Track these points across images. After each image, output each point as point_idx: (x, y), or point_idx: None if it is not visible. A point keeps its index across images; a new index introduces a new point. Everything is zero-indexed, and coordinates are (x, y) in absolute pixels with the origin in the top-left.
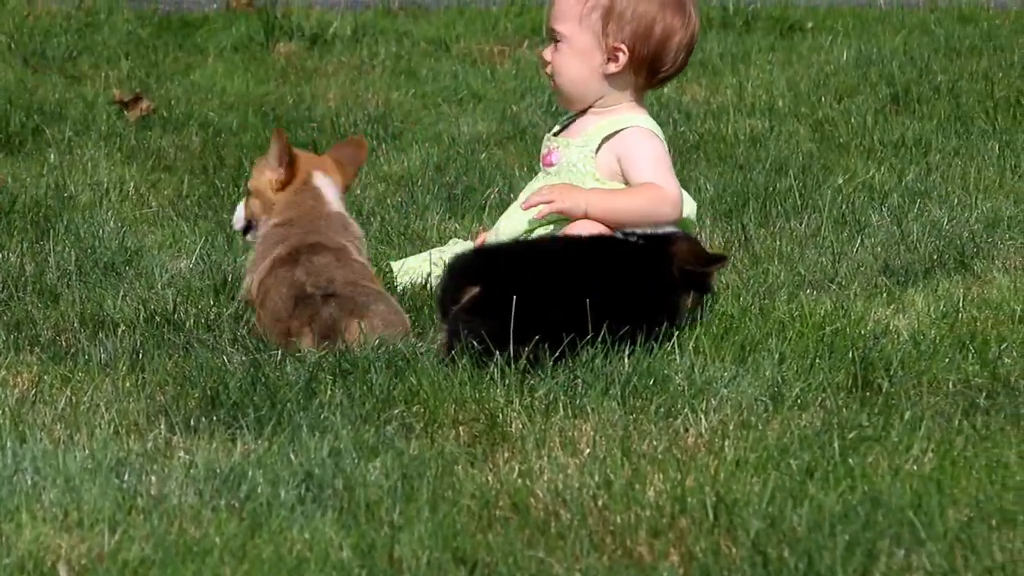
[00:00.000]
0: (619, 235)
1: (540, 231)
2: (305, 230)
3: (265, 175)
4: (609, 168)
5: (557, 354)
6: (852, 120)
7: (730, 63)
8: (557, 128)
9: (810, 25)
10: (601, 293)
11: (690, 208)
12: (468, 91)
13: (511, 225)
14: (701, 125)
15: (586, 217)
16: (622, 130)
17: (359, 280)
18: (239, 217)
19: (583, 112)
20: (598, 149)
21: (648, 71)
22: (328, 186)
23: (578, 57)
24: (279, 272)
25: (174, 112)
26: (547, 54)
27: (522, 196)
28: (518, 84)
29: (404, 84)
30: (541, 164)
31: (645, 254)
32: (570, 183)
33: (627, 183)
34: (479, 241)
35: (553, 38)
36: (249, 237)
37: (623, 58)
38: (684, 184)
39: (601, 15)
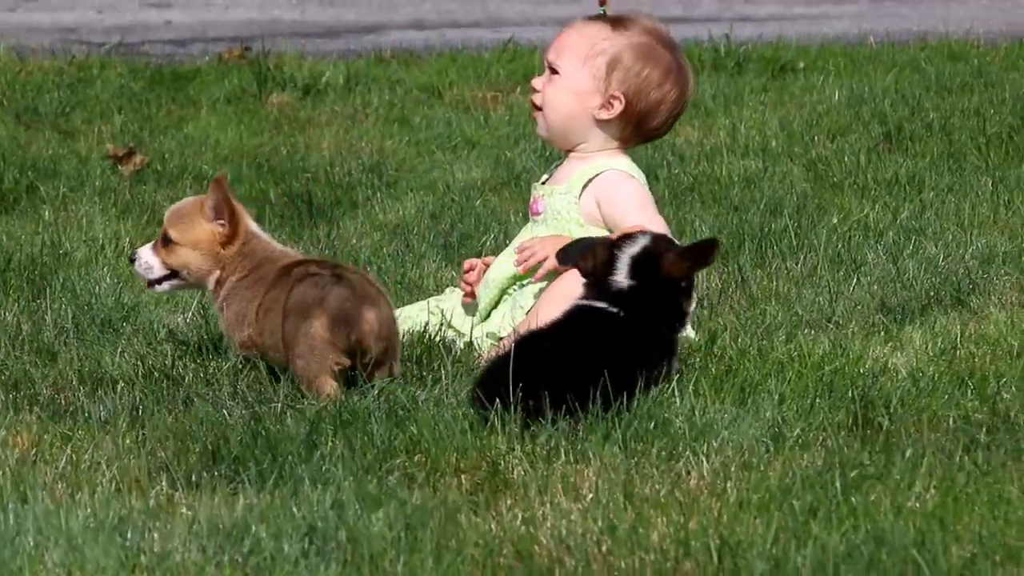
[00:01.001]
0: (601, 306)
1: (528, 280)
2: (277, 263)
3: (204, 228)
4: (591, 213)
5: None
6: (846, 159)
7: (723, 104)
8: (545, 177)
9: (802, 65)
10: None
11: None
12: (462, 138)
13: (500, 272)
14: (695, 167)
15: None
16: (599, 175)
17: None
18: (153, 265)
19: (566, 159)
20: (580, 195)
21: (636, 126)
22: (256, 226)
23: (573, 95)
24: (273, 293)
25: (168, 165)
26: (538, 82)
27: (513, 244)
28: (512, 130)
29: (398, 132)
30: (529, 213)
31: (631, 322)
32: (557, 233)
33: (610, 228)
34: (468, 272)
35: (551, 69)
36: (165, 287)
37: (618, 107)
38: (680, 226)
39: (607, 62)
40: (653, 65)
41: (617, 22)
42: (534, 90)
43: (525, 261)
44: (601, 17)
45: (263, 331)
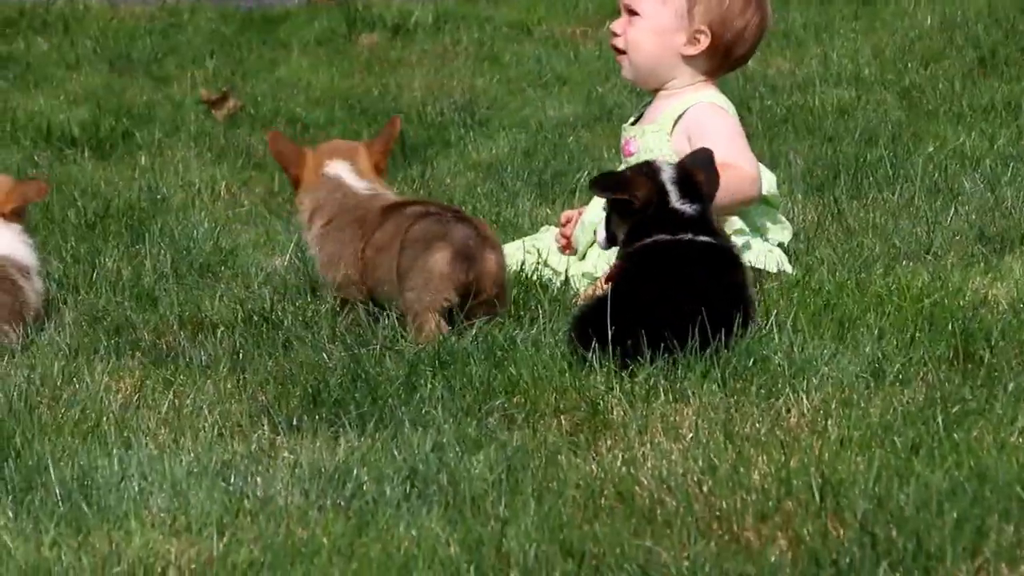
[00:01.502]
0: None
1: None
2: (373, 205)
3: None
4: (683, 149)
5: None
6: (940, 86)
7: (813, 33)
8: (633, 118)
9: None
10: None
11: (769, 182)
12: (552, 74)
13: (596, 212)
14: (788, 98)
15: None
16: (687, 110)
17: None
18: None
19: (655, 98)
20: (672, 131)
21: (722, 57)
22: (346, 170)
23: (657, 35)
24: (385, 229)
25: (261, 109)
26: (618, 26)
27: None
28: (602, 65)
29: (488, 70)
30: (622, 155)
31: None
32: None
33: None
34: (565, 224)
35: (629, 11)
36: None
37: (704, 41)
38: (774, 158)
39: None
40: (737, 3)
41: None
42: (614, 34)
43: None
44: None
45: (375, 268)
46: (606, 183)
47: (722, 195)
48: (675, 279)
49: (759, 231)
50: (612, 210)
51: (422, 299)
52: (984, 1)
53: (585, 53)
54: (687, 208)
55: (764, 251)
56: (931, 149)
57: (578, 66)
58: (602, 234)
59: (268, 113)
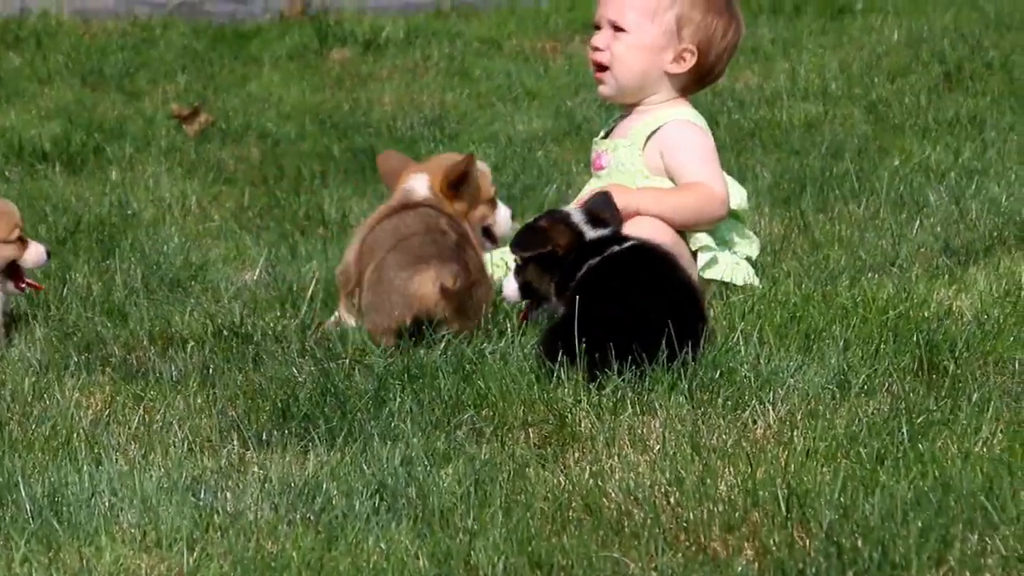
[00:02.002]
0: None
1: None
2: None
3: None
4: (655, 164)
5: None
6: (906, 100)
7: (781, 48)
8: (603, 132)
9: (859, 6)
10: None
11: (739, 198)
12: (522, 89)
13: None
14: (755, 112)
15: (636, 214)
16: (663, 126)
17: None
18: None
19: (628, 113)
20: (644, 146)
21: (703, 76)
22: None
23: (644, 51)
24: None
25: (232, 124)
26: (601, 41)
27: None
28: (571, 80)
29: (458, 85)
30: (592, 169)
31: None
32: (621, 184)
33: (672, 180)
34: None
35: (613, 27)
36: None
37: (690, 60)
38: (741, 172)
39: (676, 16)
40: (716, 14)
41: None
42: (596, 49)
43: None
44: None
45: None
46: (526, 242)
47: (690, 214)
48: (626, 284)
49: (727, 244)
50: (536, 265)
51: (379, 320)
52: (950, 17)
53: (555, 68)
54: (600, 232)
55: (731, 264)
56: (897, 163)
57: (548, 81)
58: (511, 287)
59: (239, 128)
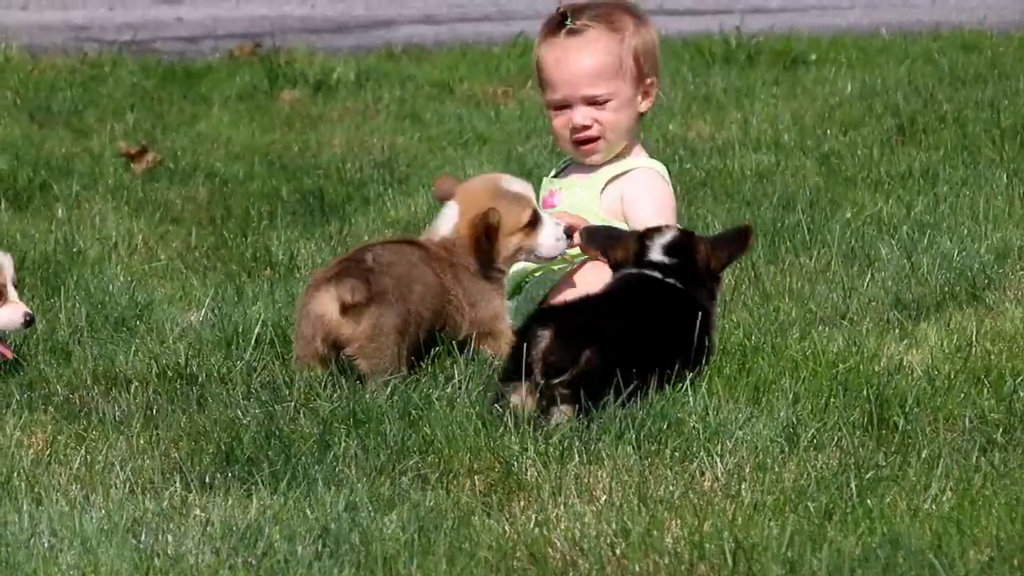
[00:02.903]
0: (656, 275)
1: (541, 272)
2: None
3: None
4: (612, 207)
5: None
6: (859, 152)
7: (734, 98)
8: (554, 172)
9: (813, 57)
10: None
11: None
12: (473, 133)
13: (516, 266)
14: (707, 161)
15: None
16: (630, 171)
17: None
18: None
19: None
20: (604, 188)
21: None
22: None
23: (628, 107)
24: None
25: (180, 163)
26: (584, 118)
27: None
28: (523, 125)
29: (409, 128)
30: (542, 206)
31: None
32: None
33: (627, 222)
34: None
35: (590, 102)
36: None
37: (653, 91)
38: (692, 222)
39: (634, 58)
40: (649, 31)
41: (606, 22)
42: (584, 127)
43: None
44: (566, 22)
45: None
46: (592, 236)
47: None
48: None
49: None
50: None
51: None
52: (904, 70)
53: (506, 113)
54: (663, 259)
55: None
56: (849, 215)
57: (499, 126)
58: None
59: (187, 167)
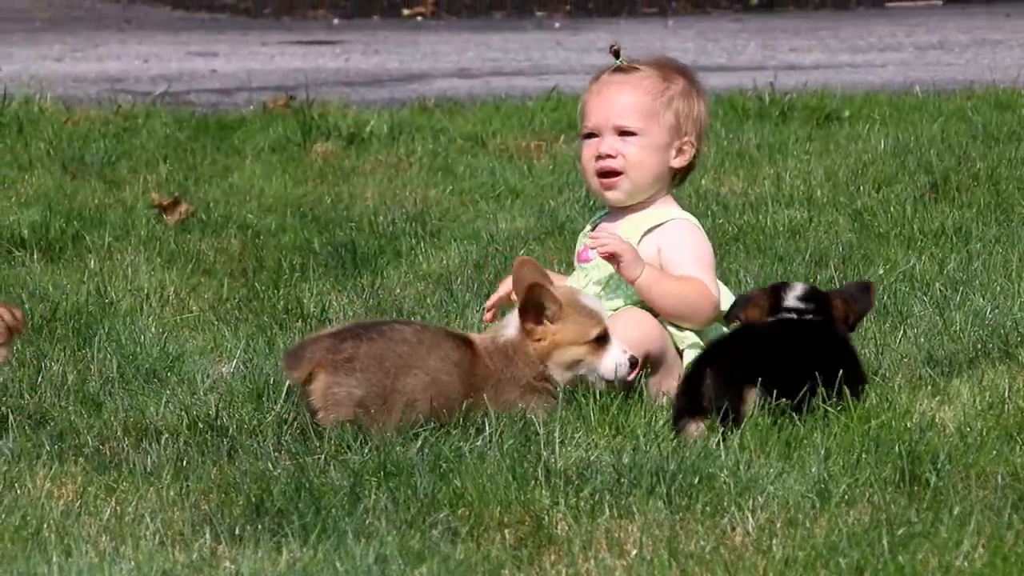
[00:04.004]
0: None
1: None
2: None
3: None
4: (649, 258)
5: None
6: (891, 209)
7: (767, 153)
8: (590, 226)
9: (847, 114)
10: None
11: (727, 303)
12: (505, 187)
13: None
14: (740, 217)
15: (633, 282)
16: (668, 222)
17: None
18: None
19: (619, 213)
20: (640, 240)
21: (691, 167)
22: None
23: (657, 151)
24: None
25: (213, 215)
26: (610, 148)
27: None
28: (555, 179)
29: (441, 181)
30: (576, 260)
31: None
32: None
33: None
34: (491, 307)
35: (620, 132)
36: None
37: (689, 152)
38: (724, 276)
39: (675, 112)
40: (700, 99)
41: (658, 69)
42: (607, 156)
43: (598, 242)
44: (626, 67)
45: None
46: (731, 310)
47: (681, 306)
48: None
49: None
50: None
51: None
52: (937, 127)
53: (539, 167)
54: (799, 304)
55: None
56: (881, 271)
57: (531, 180)
58: None
59: (219, 219)
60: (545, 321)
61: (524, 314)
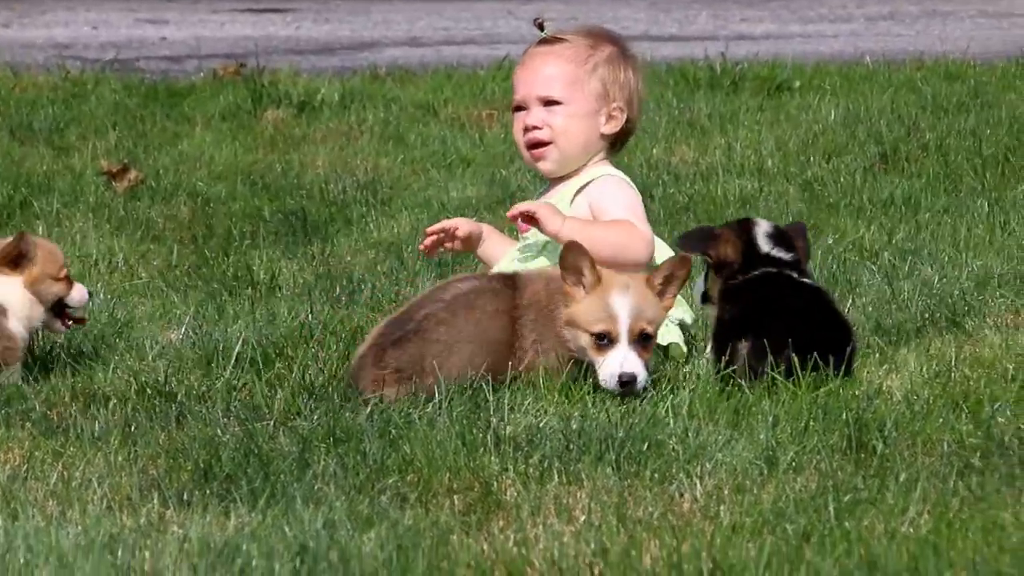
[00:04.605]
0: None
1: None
2: None
3: None
4: (583, 216)
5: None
6: (841, 179)
7: (718, 123)
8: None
9: (797, 84)
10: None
11: (664, 255)
12: (457, 156)
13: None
14: (691, 186)
15: (557, 235)
16: (595, 179)
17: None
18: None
19: (556, 181)
20: (571, 201)
21: (626, 133)
22: None
23: (584, 119)
24: None
25: (162, 182)
26: (536, 119)
27: (503, 261)
28: (507, 148)
29: (392, 150)
30: (519, 232)
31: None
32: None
33: None
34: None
35: (545, 102)
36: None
37: (621, 118)
38: (674, 247)
39: (601, 79)
40: (630, 67)
41: (585, 37)
42: (534, 128)
43: (513, 209)
44: (551, 38)
45: None
46: (688, 239)
47: (612, 249)
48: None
49: None
50: (708, 268)
51: None
52: (887, 98)
53: (490, 136)
54: (782, 255)
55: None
56: (831, 241)
57: (483, 149)
58: (699, 289)
59: (169, 186)
60: (580, 288)
61: (564, 270)
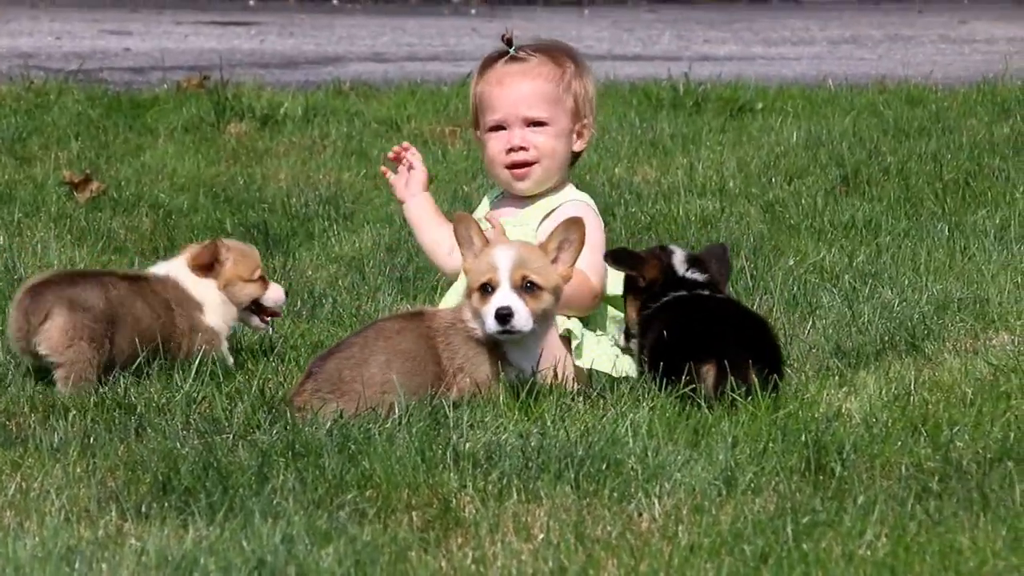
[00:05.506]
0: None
1: None
2: None
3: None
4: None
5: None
6: (803, 201)
7: (681, 143)
8: (487, 203)
9: (760, 106)
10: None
11: (618, 287)
12: None
13: (455, 298)
14: (652, 206)
15: None
16: (560, 206)
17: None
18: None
19: (518, 198)
20: (538, 226)
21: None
22: None
23: (564, 137)
24: None
25: (124, 193)
26: (521, 140)
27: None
28: (469, 164)
29: (355, 164)
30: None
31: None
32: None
33: None
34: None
35: (529, 123)
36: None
37: (587, 133)
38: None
39: (573, 96)
40: (589, 81)
41: (546, 54)
42: (520, 149)
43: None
44: (510, 49)
45: None
46: (617, 257)
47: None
48: (709, 315)
49: (598, 327)
50: (626, 288)
51: None
52: (849, 121)
53: (453, 152)
54: (697, 276)
55: (597, 349)
56: (791, 262)
57: (445, 165)
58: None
59: (131, 197)
60: (472, 255)
61: (458, 244)
